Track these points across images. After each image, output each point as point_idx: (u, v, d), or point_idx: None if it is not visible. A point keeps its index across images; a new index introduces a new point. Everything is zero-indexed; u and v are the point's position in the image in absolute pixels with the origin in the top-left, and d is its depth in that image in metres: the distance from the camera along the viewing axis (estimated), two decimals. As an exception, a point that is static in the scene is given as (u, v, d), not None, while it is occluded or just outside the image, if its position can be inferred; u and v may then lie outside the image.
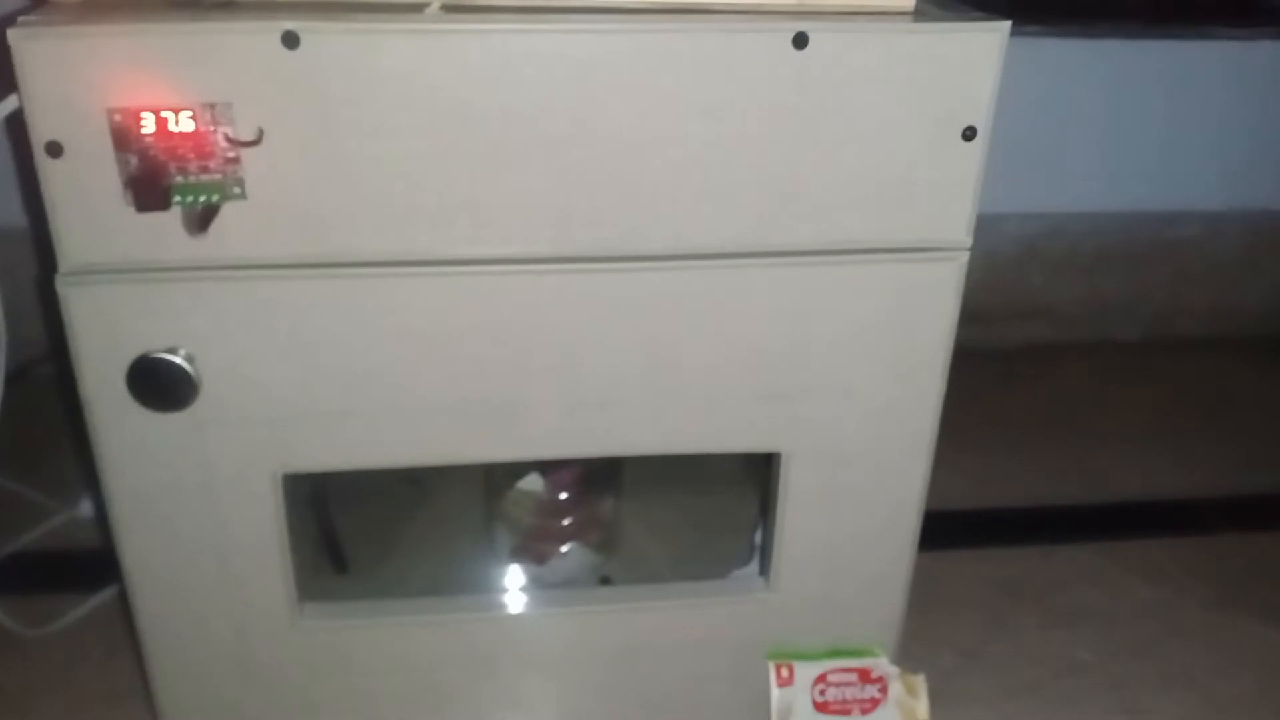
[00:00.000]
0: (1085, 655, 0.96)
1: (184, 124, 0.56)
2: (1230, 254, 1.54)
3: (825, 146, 0.63)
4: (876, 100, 0.62)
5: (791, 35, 0.59)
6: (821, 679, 0.80)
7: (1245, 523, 1.16)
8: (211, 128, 0.57)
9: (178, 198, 0.58)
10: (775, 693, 0.80)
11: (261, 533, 0.70)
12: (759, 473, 0.81)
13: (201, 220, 0.59)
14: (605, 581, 0.87)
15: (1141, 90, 1.42)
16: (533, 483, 0.88)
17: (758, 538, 0.82)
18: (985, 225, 0.66)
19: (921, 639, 0.88)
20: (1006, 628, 0.98)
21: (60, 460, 1.10)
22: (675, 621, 0.79)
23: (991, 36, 0.61)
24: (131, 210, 0.58)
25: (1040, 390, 1.44)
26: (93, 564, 0.95)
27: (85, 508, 1.06)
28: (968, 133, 0.63)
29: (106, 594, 0.94)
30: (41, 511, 1.07)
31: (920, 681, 0.82)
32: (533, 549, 0.88)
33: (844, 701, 0.81)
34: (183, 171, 0.57)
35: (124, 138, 0.56)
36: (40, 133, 0.56)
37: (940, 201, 0.65)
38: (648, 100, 0.60)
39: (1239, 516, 1.17)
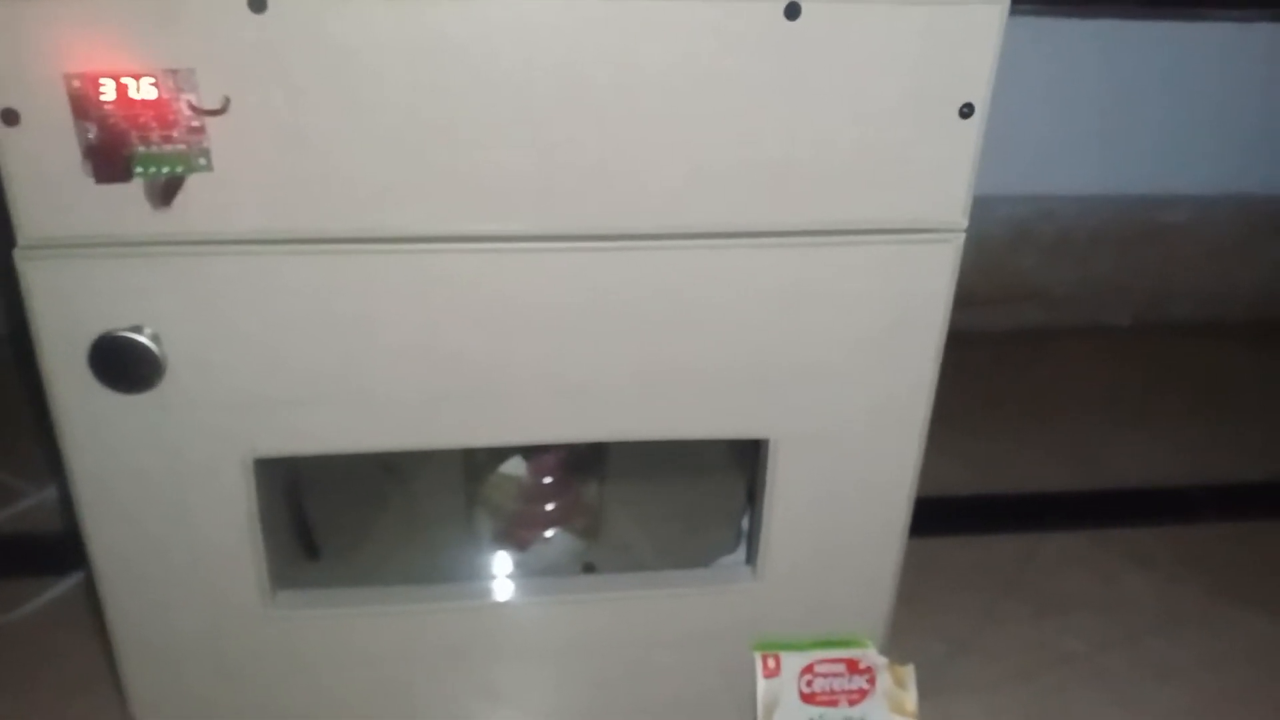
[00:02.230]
0: (1076, 644, 0.94)
1: (145, 91, 0.54)
2: (1222, 238, 1.53)
3: (817, 123, 0.61)
4: (871, 75, 0.60)
5: (784, 6, 0.57)
6: (809, 670, 0.79)
7: (1237, 510, 1.15)
8: (174, 95, 0.54)
9: (139, 168, 0.55)
10: (761, 684, 0.78)
11: (232, 518, 0.67)
12: (747, 458, 0.79)
13: (165, 192, 0.56)
14: (589, 569, 0.86)
15: (1136, 72, 1.41)
16: (515, 467, 0.86)
17: (745, 524, 0.80)
18: (977, 207, 0.65)
19: (910, 628, 0.87)
20: (996, 616, 0.97)
21: (29, 441, 1.08)
22: (660, 610, 0.77)
23: (991, 10, 0.59)
24: (91, 181, 0.56)
25: (1031, 375, 1.43)
26: (62, 548, 0.93)
27: (54, 490, 1.04)
28: (965, 110, 0.61)
29: (76, 578, 0.92)
30: (9, 494, 1.05)
31: (909, 672, 0.81)
32: (515, 535, 0.86)
33: (831, 692, 0.79)
34: (144, 141, 0.55)
35: (83, 105, 0.54)
36: (-5, 99, 0.54)
37: (936, 181, 0.63)
38: (631, 72, 0.58)
39: (1231, 504, 1.16)
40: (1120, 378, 1.44)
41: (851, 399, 0.70)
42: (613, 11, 0.56)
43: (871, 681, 0.80)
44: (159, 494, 0.66)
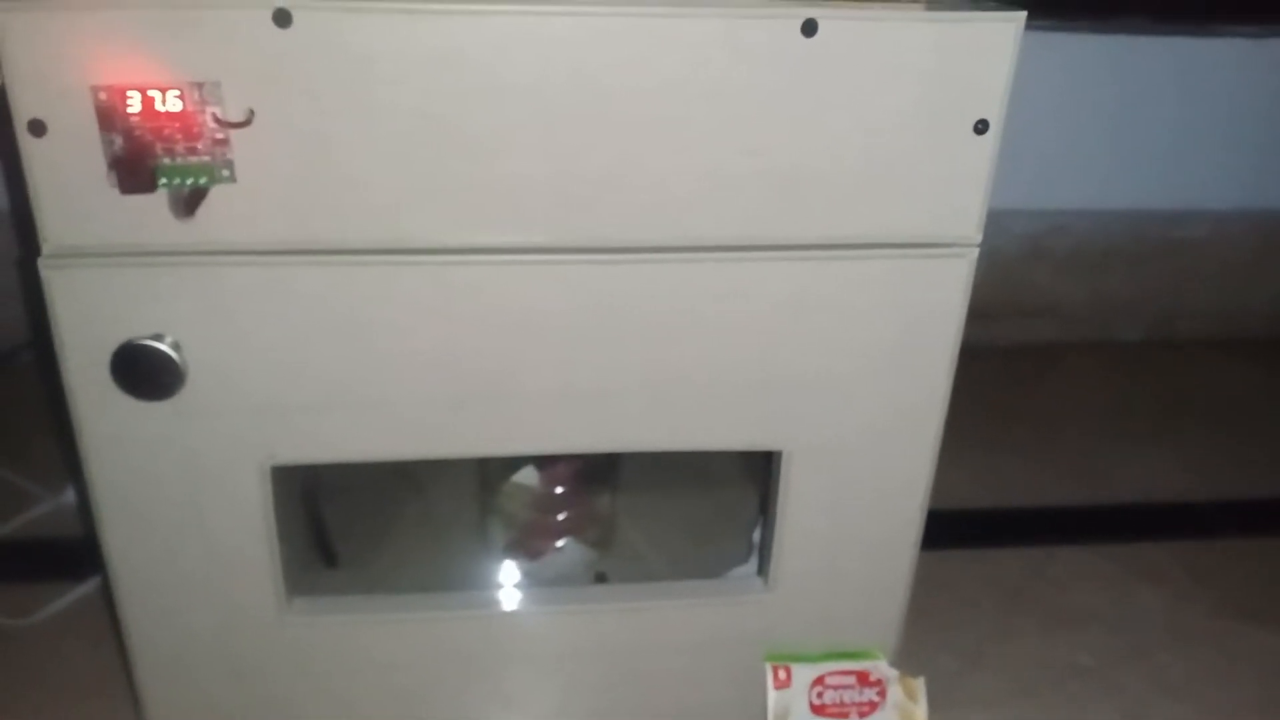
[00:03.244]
0: (1086, 659, 0.94)
1: (171, 103, 0.54)
2: (1237, 255, 1.53)
3: (832, 138, 0.61)
4: (886, 91, 0.60)
5: (800, 22, 0.58)
6: (819, 681, 0.79)
7: (1249, 527, 1.15)
8: (200, 108, 0.55)
9: (164, 180, 0.56)
10: (772, 695, 0.78)
11: (249, 525, 0.68)
12: (759, 469, 0.80)
13: (189, 203, 0.57)
14: (600, 579, 0.86)
15: (1150, 87, 1.41)
16: (528, 476, 0.86)
17: (756, 536, 0.81)
18: (990, 221, 0.65)
19: (921, 641, 0.87)
20: (1007, 630, 0.97)
21: (46, 446, 1.08)
22: (671, 621, 0.77)
23: (1007, 27, 0.59)
24: (116, 192, 0.56)
25: (1043, 390, 1.43)
26: (78, 553, 0.94)
27: (71, 495, 1.04)
28: (980, 126, 0.62)
29: (91, 584, 0.93)
30: (26, 499, 1.05)
31: (920, 684, 0.81)
32: (527, 544, 0.87)
33: (842, 704, 0.79)
34: (169, 153, 0.55)
35: (109, 117, 0.54)
36: (23, 111, 0.55)
37: (950, 196, 0.64)
38: (648, 86, 0.58)
39: (1243, 520, 1.16)
40: (1132, 393, 1.44)
41: (865, 412, 0.70)
42: (629, 25, 0.57)
43: (882, 694, 0.80)
44: (176, 500, 0.67)
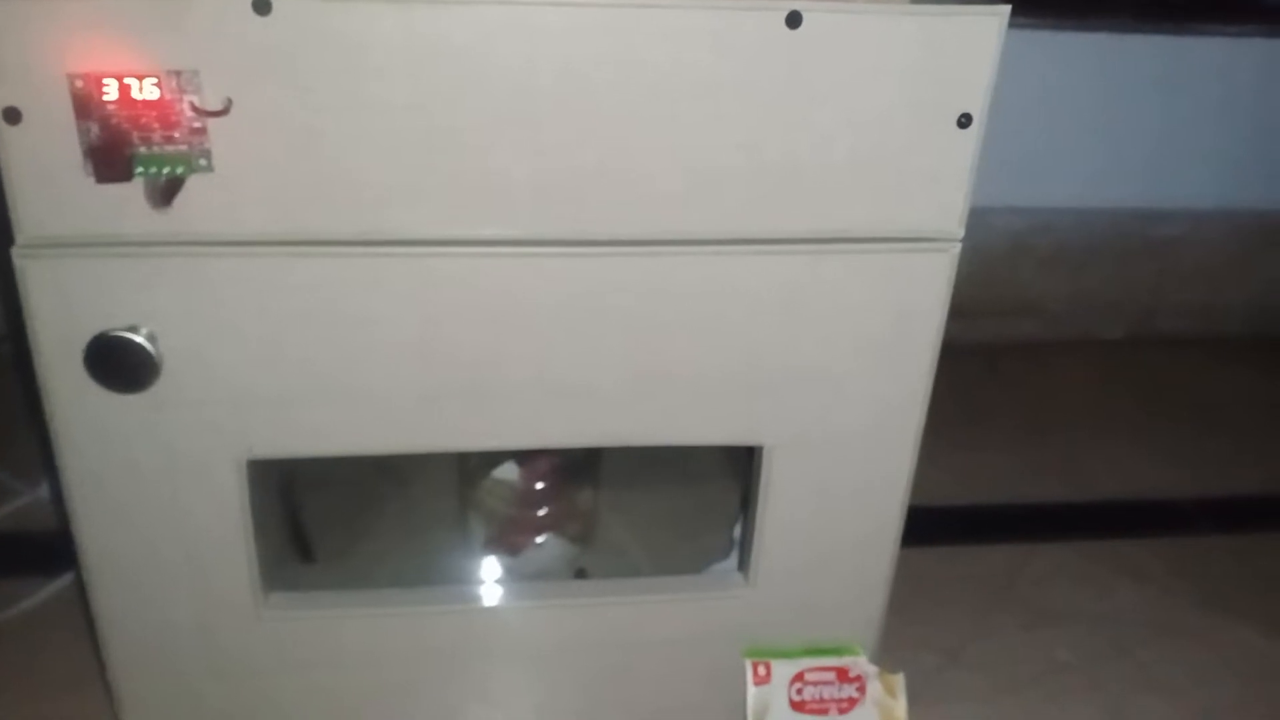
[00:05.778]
0: (1067, 656, 0.95)
1: (148, 91, 0.54)
2: (1217, 253, 1.54)
3: (816, 131, 0.61)
4: (871, 84, 0.60)
5: (785, 14, 0.57)
6: (799, 677, 0.79)
7: (1229, 523, 1.16)
8: (177, 96, 0.54)
9: (140, 169, 0.55)
10: (751, 691, 0.78)
11: (225, 519, 0.67)
12: (741, 465, 0.80)
13: (165, 193, 0.56)
14: (581, 574, 0.86)
15: (1132, 86, 1.42)
16: (508, 472, 0.86)
17: (737, 531, 0.80)
18: (973, 219, 0.65)
19: (901, 637, 0.87)
20: (987, 627, 0.97)
21: (24, 439, 1.07)
22: (652, 616, 0.77)
23: (991, 21, 0.59)
24: (92, 181, 0.56)
25: (1024, 387, 1.43)
26: (55, 547, 0.92)
27: (48, 489, 1.04)
28: (963, 120, 0.62)
29: (68, 578, 0.92)
30: (4, 492, 1.04)
31: (899, 681, 0.81)
32: (507, 540, 0.86)
33: (821, 700, 0.79)
34: (146, 141, 0.55)
35: (85, 105, 0.54)
36: (-3, 98, 0.54)
37: (933, 190, 0.64)
38: (633, 78, 0.58)
39: (1223, 517, 1.17)
40: (1113, 391, 1.44)
41: (846, 407, 0.70)
42: (615, 17, 0.57)
43: (861, 690, 0.80)
44: (152, 493, 0.66)
